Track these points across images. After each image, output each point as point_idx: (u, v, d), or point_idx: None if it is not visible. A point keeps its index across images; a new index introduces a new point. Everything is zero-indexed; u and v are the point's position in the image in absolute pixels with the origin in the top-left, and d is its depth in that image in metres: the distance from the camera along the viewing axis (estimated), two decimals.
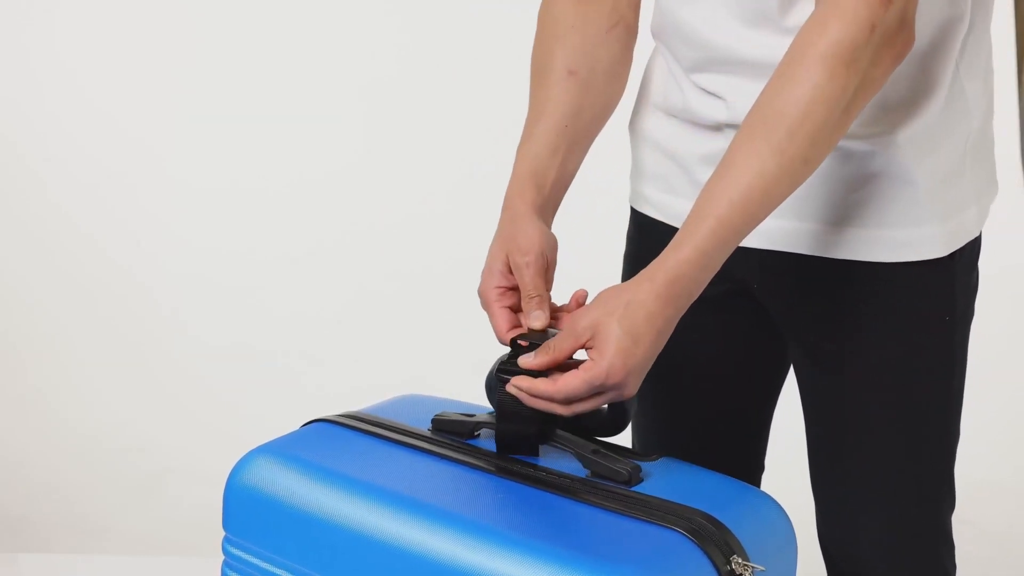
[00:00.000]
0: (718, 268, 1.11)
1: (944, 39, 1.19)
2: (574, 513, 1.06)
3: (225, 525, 1.16)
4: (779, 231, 1.24)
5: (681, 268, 1.08)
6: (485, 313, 1.20)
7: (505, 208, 1.23)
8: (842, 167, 1.21)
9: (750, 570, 1.03)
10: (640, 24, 1.33)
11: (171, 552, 2.55)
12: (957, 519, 1.35)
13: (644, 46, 1.35)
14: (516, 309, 1.19)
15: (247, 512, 1.14)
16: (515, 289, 1.19)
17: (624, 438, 1.19)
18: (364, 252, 3.35)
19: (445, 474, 1.11)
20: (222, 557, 1.17)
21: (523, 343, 1.13)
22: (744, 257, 1.23)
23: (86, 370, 3.17)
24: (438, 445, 1.16)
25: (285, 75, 3.48)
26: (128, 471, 2.86)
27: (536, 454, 1.15)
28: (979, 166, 1.27)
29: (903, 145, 1.19)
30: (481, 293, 1.20)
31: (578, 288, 1.21)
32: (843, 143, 1.19)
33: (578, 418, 1.15)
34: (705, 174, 1.18)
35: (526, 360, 1.11)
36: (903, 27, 1.08)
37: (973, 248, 1.28)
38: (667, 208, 1.33)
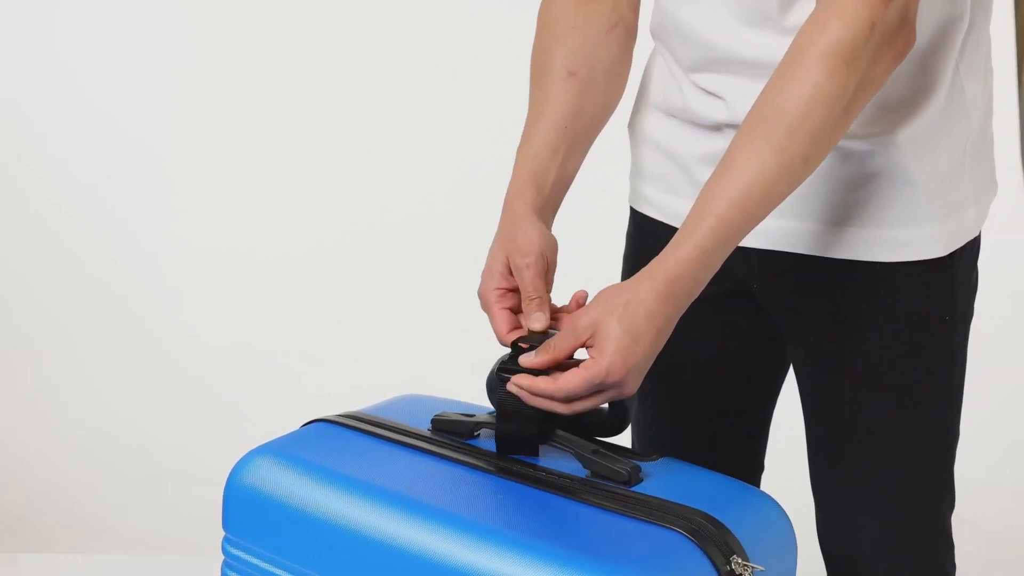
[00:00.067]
0: (718, 267, 1.11)
1: (944, 39, 1.19)
2: (574, 513, 1.06)
3: (225, 525, 1.16)
4: (779, 231, 1.24)
5: (681, 267, 1.09)
6: (485, 314, 1.20)
7: (505, 209, 1.23)
8: (842, 167, 1.21)
9: (750, 570, 1.03)
10: (640, 24, 1.33)
11: (171, 552, 2.55)
12: (957, 519, 1.35)
13: (644, 46, 1.35)
14: (516, 310, 1.19)
15: (247, 512, 1.14)
16: (515, 290, 1.19)
17: (624, 438, 1.19)
18: (364, 252, 3.35)
19: (445, 474, 1.11)
20: (222, 557, 1.17)
21: (524, 345, 1.13)
22: (744, 257, 1.23)
23: (86, 370, 3.17)
24: (438, 445, 1.16)
25: (285, 75, 3.48)
26: (128, 471, 2.86)
27: (536, 454, 1.15)
28: (979, 166, 1.27)
29: (903, 145, 1.19)
30: (481, 295, 1.20)
31: (578, 288, 1.21)
32: (843, 143, 1.19)
33: (579, 418, 1.15)
34: (705, 174, 1.18)
35: (527, 359, 1.12)
36: (904, 26, 1.08)
37: (973, 248, 1.28)
38: (667, 208, 1.33)
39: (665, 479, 1.12)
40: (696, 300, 1.12)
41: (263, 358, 3.20)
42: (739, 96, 1.20)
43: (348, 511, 1.07)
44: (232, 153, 3.45)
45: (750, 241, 1.23)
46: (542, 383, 1.09)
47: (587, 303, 1.13)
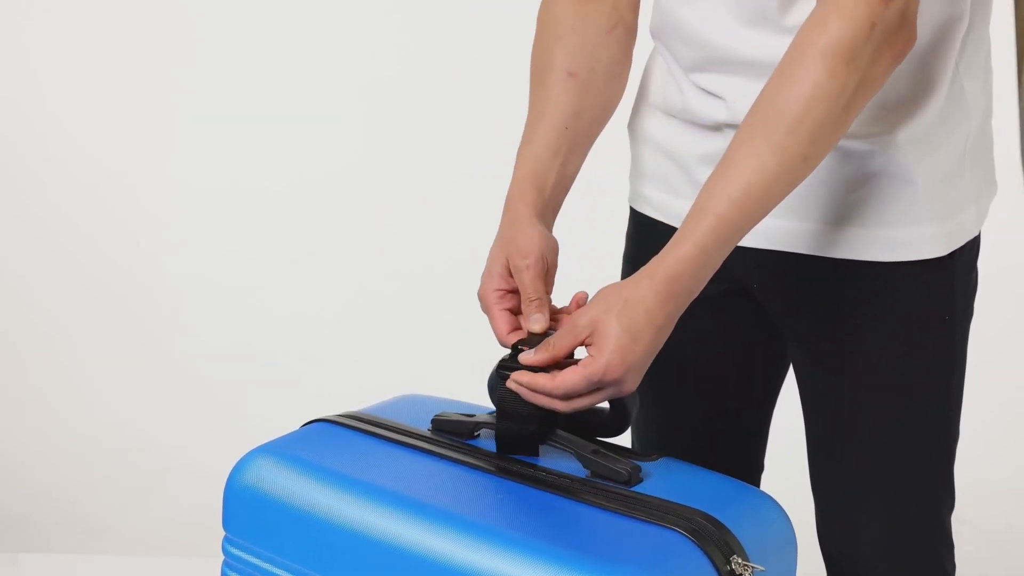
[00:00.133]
0: (718, 266, 1.11)
1: (944, 39, 1.19)
2: (574, 513, 1.06)
3: (225, 525, 1.16)
4: (779, 231, 1.24)
5: (680, 265, 1.09)
6: (485, 315, 1.20)
7: (506, 211, 1.23)
8: (842, 167, 1.21)
9: (750, 570, 1.03)
10: (639, 24, 1.33)
11: (171, 552, 2.55)
12: (957, 519, 1.35)
13: (643, 46, 1.35)
14: (516, 311, 1.19)
15: (247, 512, 1.14)
16: (515, 292, 1.19)
17: (624, 438, 1.19)
18: (364, 252, 3.35)
19: (445, 474, 1.11)
20: (222, 557, 1.17)
21: (524, 348, 1.13)
22: (743, 257, 1.23)
23: (86, 370, 3.17)
24: (438, 445, 1.16)
25: (285, 75, 3.48)
26: (128, 471, 2.86)
27: (536, 454, 1.15)
28: (978, 166, 1.27)
29: (903, 145, 1.19)
30: (481, 296, 1.20)
31: (578, 288, 1.21)
32: (843, 143, 1.19)
33: (579, 418, 1.15)
34: (704, 174, 1.18)
35: (526, 357, 1.12)
36: (904, 25, 1.08)
37: (972, 248, 1.28)
38: (667, 208, 1.33)
39: (665, 479, 1.12)
40: (696, 300, 1.12)
41: (263, 358, 3.20)
42: (739, 96, 1.20)
43: (348, 511, 1.07)
44: (232, 153, 3.45)
45: (750, 241, 1.23)
46: (541, 380, 1.10)
47: (587, 302, 1.13)
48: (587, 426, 1.16)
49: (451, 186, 3.39)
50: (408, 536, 1.03)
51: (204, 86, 3.48)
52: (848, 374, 1.27)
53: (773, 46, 1.15)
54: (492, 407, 1.16)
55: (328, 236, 3.38)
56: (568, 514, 1.06)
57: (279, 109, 3.45)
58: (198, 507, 2.29)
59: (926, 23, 1.17)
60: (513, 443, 1.14)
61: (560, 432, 1.14)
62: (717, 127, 1.25)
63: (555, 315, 1.18)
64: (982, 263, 1.31)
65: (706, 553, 1.02)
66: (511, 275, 1.19)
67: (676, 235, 1.10)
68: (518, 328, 1.17)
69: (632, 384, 1.10)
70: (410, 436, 1.17)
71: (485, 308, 1.20)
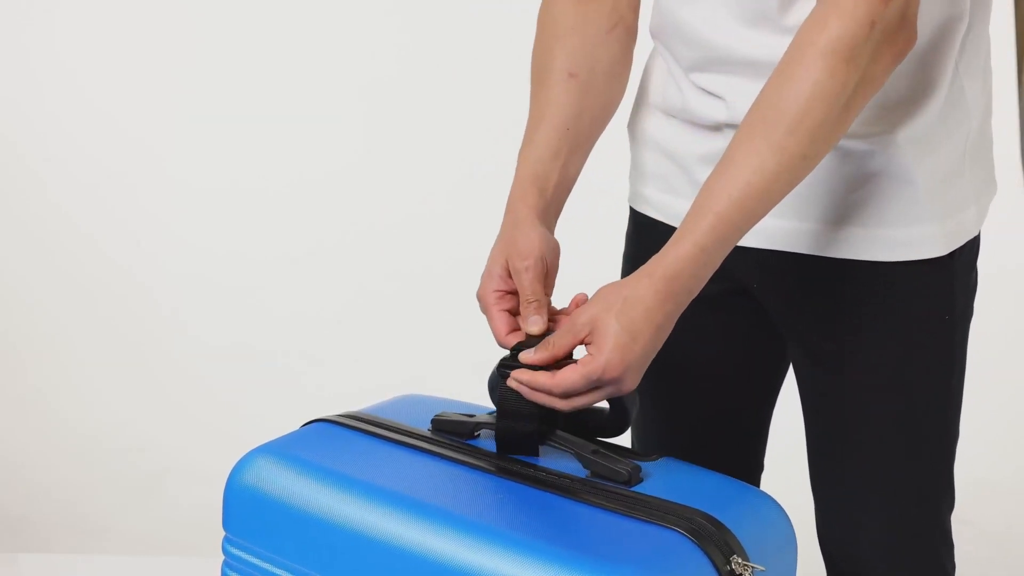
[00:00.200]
0: (717, 265, 1.11)
1: (943, 38, 1.19)
2: (574, 513, 1.06)
3: (225, 525, 1.16)
4: (779, 230, 1.24)
5: (680, 264, 1.09)
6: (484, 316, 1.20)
7: (507, 212, 1.23)
8: (841, 166, 1.21)
9: (750, 570, 1.03)
10: (639, 24, 1.33)
11: (171, 552, 2.55)
12: (957, 519, 1.35)
13: (643, 46, 1.35)
14: (515, 312, 1.19)
15: (247, 512, 1.14)
16: (514, 293, 1.19)
17: (624, 438, 1.19)
18: (364, 252, 3.35)
19: (445, 474, 1.11)
20: (222, 557, 1.17)
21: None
22: (743, 257, 1.23)
23: (86, 370, 3.17)
24: (438, 445, 1.16)
25: (285, 75, 3.48)
26: (128, 471, 2.86)
27: (536, 454, 1.15)
28: (978, 165, 1.27)
29: (903, 144, 1.19)
30: (480, 296, 1.20)
31: (577, 288, 1.21)
32: (843, 142, 1.19)
33: (579, 418, 1.15)
34: (704, 174, 1.18)
35: (526, 356, 1.12)
36: (904, 24, 1.08)
37: (972, 247, 1.28)
38: (666, 208, 1.33)
39: (665, 479, 1.12)
40: (695, 300, 1.12)
41: (263, 358, 3.20)
42: (739, 96, 1.20)
43: (348, 511, 1.07)
44: (232, 153, 3.45)
45: (750, 241, 1.23)
46: (541, 378, 1.10)
47: (586, 301, 1.13)
48: (587, 426, 1.16)
49: (451, 186, 3.39)
50: (408, 536, 1.03)
51: (204, 86, 3.48)
52: (848, 374, 1.27)
53: (773, 46, 1.15)
54: (492, 407, 1.16)
55: (328, 236, 3.38)
56: (568, 514, 1.06)
57: (279, 109, 3.45)
58: (198, 507, 2.29)
59: (926, 23, 1.17)
60: (513, 443, 1.14)
61: (560, 432, 1.14)
62: (717, 127, 1.25)
63: (555, 316, 1.18)
64: (982, 263, 1.31)
65: (706, 553, 1.02)
66: (510, 276, 1.19)
67: (675, 234, 1.10)
68: (517, 329, 1.17)
69: (631, 383, 1.10)
70: (410, 436, 1.17)
71: (484, 309, 1.20)
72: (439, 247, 3.28)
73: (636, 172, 1.38)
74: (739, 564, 1.03)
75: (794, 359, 1.34)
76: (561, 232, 1.25)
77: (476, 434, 1.18)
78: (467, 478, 1.11)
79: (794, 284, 1.27)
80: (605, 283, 1.14)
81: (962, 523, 1.44)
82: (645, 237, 1.36)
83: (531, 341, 1.14)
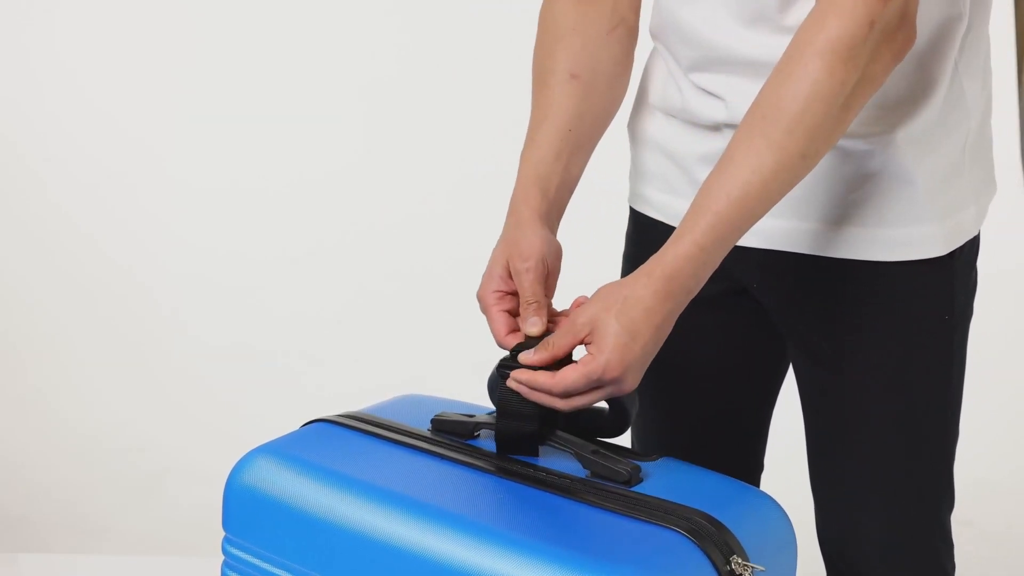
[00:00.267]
0: (717, 264, 1.11)
1: (943, 38, 1.19)
2: (574, 513, 1.06)
3: (225, 525, 1.16)
4: (778, 230, 1.24)
5: (679, 263, 1.09)
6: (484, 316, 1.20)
7: (509, 214, 1.23)
8: (841, 166, 1.21)
9: (750, 570, 1.03)
10: (639, 25, 1.33)
11: (171, 552, 2.55)
12: (956, 519, 1.35)
13: (643, 47, 1.35)
14: (514, 313, 1.19)
15: (247, 512, 1.14)
16: (514, 294, 1.19)
17: (624, 438, 1.19)
18: (364, 252, 3.35)
19: (445, 474, 1.11)
20: (222, 557, 1.17)
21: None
22: (743, 257, 1.23)
23: (86, 370, 3.17)
24: (438, 445, 1.16)
25: (285, 75, 3.48)
26: (128, 471, 2.86)
27: (536, 454, 1.15)
28: (977, 165, 1.27)
29: (902, 144, 1.19)
30: (480, 297, 1.20)
31: (577, 287, 1.21)
32: (842, 142, 1.19)
33: (579, 419, 1.15)
34: (704, 174, 1.18)
35: (526, 357, 1.12)
36: (903, 24, 1.08)
37: (972, 247, 1.28)
38: (666, 208, 1.33)
39: (665, 479, 1.12)
40: (695, 300, 1.12)
41: (263, 358, 3.20)
42: (738, 96, 1.20)
43: (348, 511, 1.07)
44: (232, 153, 3.45)
45: (750, 241, 1.23)
46: (541, 377, 1.10)
47: (586, 301, 1.13)
48: (587, 427, 1.16)
49: (451, 186, 3.39)
50: (408, 536, 1.03)
51: (204, 86, 3.48)
52: (848, 374, 1.27)
53: (773, 46, 1.15)
54: (492, 407, 1.16)
55: (328, 236, 3.38)
56: (568, 514, 1.06)
57: (279, 109, 3.45)
58: (198, 507, 2.29)
59: (925, 23, 1.17)
60: (513, 443, 1.14)
61: (560, 432, 1.14)
62: (717, 127, 1.25)
63: (555, 318, 1.18)
64: (982, 263, 1.31)
65: (706, 553, 1.02)
66: (511, 277, 1.19)
67: (675, 233, 1.10)
68: (516, 330, 1.17)
69: (631, 383, 1.10)
70: (410, 436, 1.17)
71: (484, 309, 1.20)
72: (439, 247, 3.28)
73: (636, 172, 1.38)
74: (739, 564, 1.03)
75: (794, 359, 1.34)
76: (561, 232, 1.25)
77: (476, 434, 1.18)
78: (467, 478, 1.11)
79: (794, 284, 1.27)
80: (605, 282, 1.14)
81: (962, 523, 1.44)
82: (645, 237, 1.36)
83: (530, 342, 1.14)
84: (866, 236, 1.22)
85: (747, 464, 1.44)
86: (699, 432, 1.40)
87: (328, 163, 3.44)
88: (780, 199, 1.10)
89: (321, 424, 1.21)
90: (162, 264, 3.38)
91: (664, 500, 1.07)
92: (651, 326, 1.08)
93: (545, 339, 1.12)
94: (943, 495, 1.31)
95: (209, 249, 3.38)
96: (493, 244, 1.23)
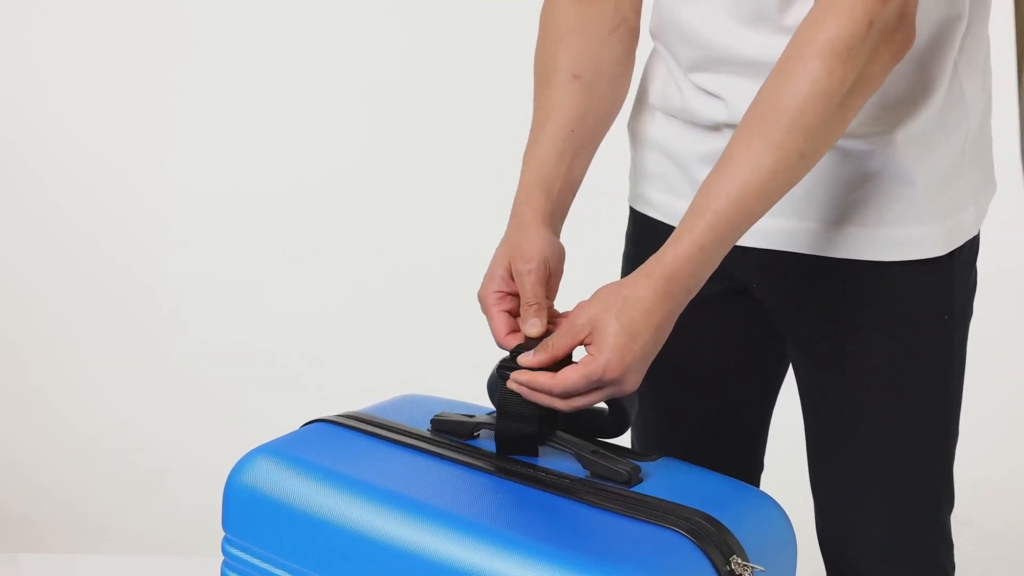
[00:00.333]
0: (716, 264, 1.11)
1: (942, 38, 1.19)
2: (574, 513, 1.06)
3: (225, 525, 1.16)
4: (778, 230, 1.24)
5: (678, 263, 1.09)
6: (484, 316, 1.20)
7: (513, 215, 1.23)
8: (841, 166, 1.21)
9: (750, 570, 1.03)
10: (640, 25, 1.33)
11: (171, 552, 2.55)
12: (957, 520, 1.35)
13: (643, 47, 1.35)
14: (515, 313, 1.19)
15: (247, 512, 1.14)
16: (514, 295, 1.19)
17: (624, 438, 1.19)
18: (364, 252, 3.35)
19: (445, 474, 1.11)
20: (222, 557, 1.17)
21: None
22: (743, 257, 1.23)
23: (86, 370, 3.17)
24: (438, 445, 1.16)
25: (285, 75, 3.48)
26: (128, 471, 2.86)
27: (536, 454, 1.15)
28: (977, 165, 1.27)
29: (902, 144, 1.19)
30: (480, 297, 1.20)
31: (577, 286, 1.21)
32: (842, 142, 1.19)
33: (579, 419, 1.15)
34: (704, 174, 1.18)
35: (525, 359, 1.12)
36: (902, 24, 1.08)
37: (972, 247, 1.28)
38: (666, 208, 1.33)
39: (665, 479, 1.12)
40: (695, 300, 1.12)
41: (263, 358, 3.20)
42: (738, 96, 1.20)
43: (348, 511, 1.07)
44: (232, 153, 3.45)
45: (750, 240, 1.23)
46: (540, 378, 1.10)
47: (585, 301, 1.13)
48: (587, 428, 1.16)
49: (451, 186, 3.39)
50: (408, 536, 1.03)
51: (204, 86, 3.48)
52: (848, 374, 1.27)
53: (772, 46, 1.15)
54: (492, 407, 1.16)
55: (328, 236, 3.38)
56: (568, 514, 1.06)
57: (279, 109, 3.45)
58: (198, 507, 2.29)
59: (924, 23, 1.17)
60: (513, 443, 1.14)
61: (560, 433, 1.14)
62: (716, 127, 1.25)
63: (556, 319, 1.17)
64: (982, 263, 1.31)
65: (706, 553, 1.02)
66: (512, 278, 1.19)
67: (674, 233, 1.10)
68: (516, 330, 1.17)
69: (632, 383, 1.10)
70: (410, 436, 1.17)
71: (484, 309, 1.20)
72: (439, 247, 3.28)
73: (636, 172, 1.38)
74: (739, 564, 1.03)
75: (794, 359, 1.34)
76: (562, 232, 1.25)
77: (476, 434, 1.18)
78: (467, 478, 1.11)
79: (794, 284, 1.27)
80: (605, 282, 1.14)
81: (962, 523, 1.44)
82: (645, 237, 1.36)
83: (530, 344, 1.14)
84: (866, 236, 1.22)
85: (747, 464, 1.44)
86: (699, 432, 1.40)
87: (328, 163, 3.44)
88: (779, 199, 1.10)
89: (321, 424, 1.21)
90: (162, 264, 3.38)
91: (664, 500, 1.07)
92: (651, 326, 1.08)
93: (544, 340, 1.12)
94: (943, 495, 1.31)
95: (209, 249, 3.38)
96: (493, 244, 1.23)
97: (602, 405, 1.14)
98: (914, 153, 1.20)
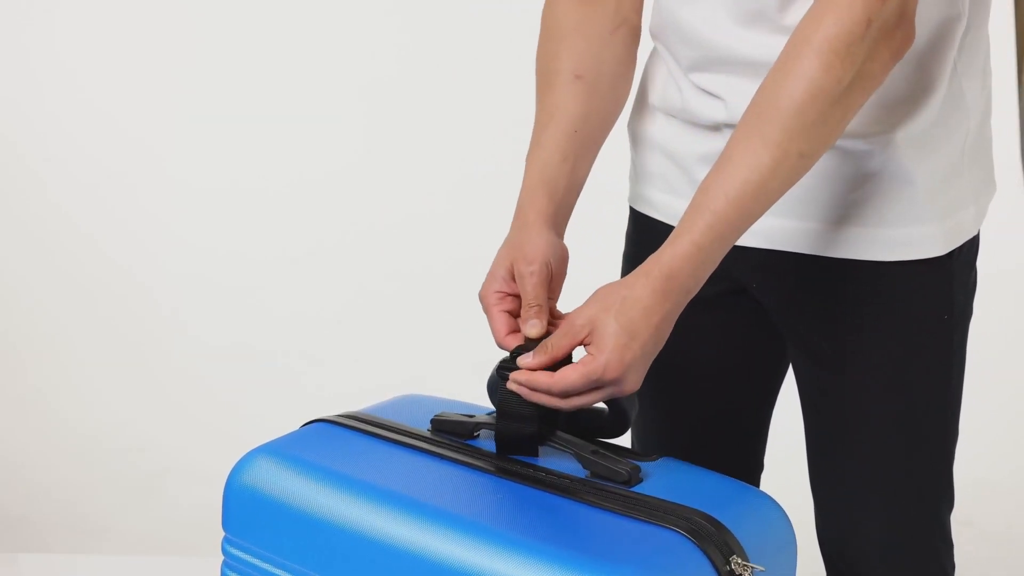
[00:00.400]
0: (716, 264, 1.11)
1: (942, 38, 1.19)
2: (574, 513, 1.06)
3: (225, 525, 1.16)
4: (778, 230, 1.24)
5: (677, 263, 1.09)
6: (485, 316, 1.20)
7: (516, 216, 1.23)
8: (841, 166, 1.21)
9: (749, 570, 1.03)
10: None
11: (171, 552, 2.55)
12: (956, 520, 1.35)
13: (643, 47, 1.35)
14: (515, 314, 1.19)
15: (247, 512, 1.14)
16: (515, 295, 1.19)
17: (624, 438, 1.19)
18: (364, 252, 3.35)
19: (445, 474, 1.11)
20: (222, 557, 1.17)
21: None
22: (743, 257, 1.23)
23: (86, 370, 3.17)
24: (438, 445, 1.16)
25: (285, 75, 3.48)
26: (128, 471, 2.86)
27: (536, 455, 1.15)
28: (977, 165, 1.27)
29: (901, 145, 1.19)
30: (481, 297, 1.20)
31: (577, 286, 1.21)
32: (841, 142, 1.19)
33: (579, 419, 1.15)
34: (704, 174, 1.18)
35: (524, 361, 1.12)
36: (902, 22, 1.08)
37: (971, 247, 1.28)
38: (666, 208, 1.33)
39: (665, 479, 1.12)
40: (695, 300, 1.12)
41: (263, 358, 3.20)
42: (738, 96, 1.20)
43: (348, 511, 1.07)
44: (232, 153, 3.45)
45: (750, 241, 1.23)
46: (540, 377, 1.09)
47: (584, 301, 1.13)
48: (587, 428, 1.16)
49: (451, 186, 3.39)
50: (408, 536, 1.03)
51: (204, 86, 3.49)
52: (848, 374, 1.27)
53: (772, 46, 1.15)
54: (492, 407, 1.16)
55: (328, 236, 3.38)
56: (568, 514, 1.06)
57: (279, 109, 3.45)
58: (198, 507, 2.29)
59: (924, 23, 1.17)
60: (513, 443, 1.14)
61: (560, 433, 1.14)
62: (716, 127, 1.25)
63: (555, 321, 1.17)
64: (982, 263, 1.31)
65: (705, 553, 1.02)
66: (513, 280, 1.19)
67: (673, 233, 1.10)
68: (516, 331, 1.17)
69: (632, 383, 1.09)
70: (410, 436, 1.17)
71: (484, 309, 1.20)
72: (439, 247, 3.28)
73: (636, 172, 1.38)
74: (738, 564, 1.03)
75: (794, 359, 1.34)
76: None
77: (476, 434, 1.18)
78: (467, 478, 1.11)
79: (794, 284, 1.27)
80: (605, 282, 1.14)
81: (962, 523, 1.44)
82: (645, 237, 1.36)
83: (530, 344, 1.14)
84: (866, 236, 1.22)
85: (747, 464, 1.44)
86: (699, 432, 1.40)
87: (328, 163, 3.44)
88: (779, 198, 1.10)
89: (321, 424, 1.21)
90: (162, 264, 3.38)
91: (664, 500, 1.07)
92: (650, 326, 1.08)
93: (544, 341, 1.12)
94: (943, 495, 1.31)
95: (209, 249, 3.38)
96: (493, 244, 1.23)
97: (602, 405, 1.14)
98: (914, 153, 1.20)
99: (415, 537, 1.03)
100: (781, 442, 1.55)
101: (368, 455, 1.14)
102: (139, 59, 3.49)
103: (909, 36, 1.10)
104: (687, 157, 1.29)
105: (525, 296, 1.17)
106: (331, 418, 1.21)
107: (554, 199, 1.23)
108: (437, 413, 1.20)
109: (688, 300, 1.11)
